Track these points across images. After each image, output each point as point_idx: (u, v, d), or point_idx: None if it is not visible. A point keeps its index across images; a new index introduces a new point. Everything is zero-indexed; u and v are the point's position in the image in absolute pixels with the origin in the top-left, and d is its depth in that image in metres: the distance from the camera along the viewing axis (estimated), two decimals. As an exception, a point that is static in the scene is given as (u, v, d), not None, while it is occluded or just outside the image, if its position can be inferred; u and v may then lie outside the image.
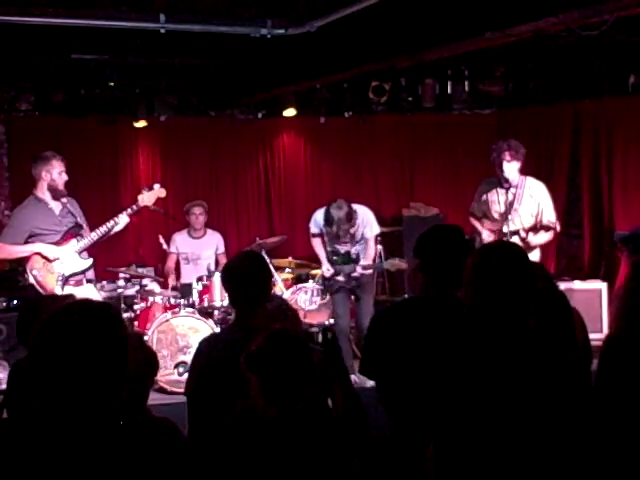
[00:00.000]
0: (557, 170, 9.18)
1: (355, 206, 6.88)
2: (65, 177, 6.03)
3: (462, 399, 2.49)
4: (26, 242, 5.92)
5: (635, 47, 7.26)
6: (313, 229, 7.09)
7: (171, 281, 7.73)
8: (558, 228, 6.45)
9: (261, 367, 2.57)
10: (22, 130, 8.65)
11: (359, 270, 6.86)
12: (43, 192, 6.00)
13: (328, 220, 6.78)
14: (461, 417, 2.50)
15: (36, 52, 6.94)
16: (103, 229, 6.09)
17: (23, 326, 3.58)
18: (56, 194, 6.00)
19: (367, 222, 6.94)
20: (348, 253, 6.96)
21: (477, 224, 6.73)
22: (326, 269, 7.02)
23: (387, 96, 8.79)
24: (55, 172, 5.97)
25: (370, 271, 7.13)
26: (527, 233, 6.32)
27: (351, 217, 6.72)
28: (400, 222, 9.44)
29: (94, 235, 6.09)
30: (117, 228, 6.19)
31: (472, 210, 6.85)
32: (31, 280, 5.93)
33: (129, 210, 6.22)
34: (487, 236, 6.57)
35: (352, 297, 7.08)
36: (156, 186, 6.49)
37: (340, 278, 6.97)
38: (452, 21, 5.77)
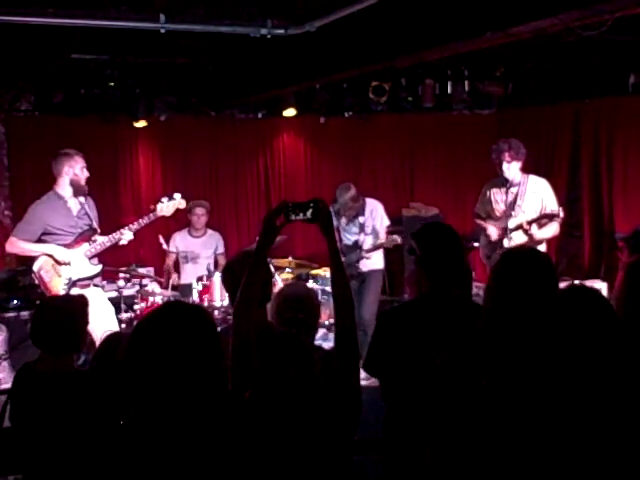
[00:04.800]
0: (557, 170, 9.18)
1: (366, 199, 7.25)
2: (87, 173, 6.05)
3: (467, 401, 2.49)
4: (39, 239, 5.87)
5: (635, 47, 7.25)
6: None
7: (172, 281, 7.72)
8: (562, 214, 6.40)
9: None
10: (22, 130, 8.65)
11: (363, 254, 7.06)
12: (64, 189, 5.97)
13: (334, 200, 7.10)
14: (464, 419, 2.49)
15: (36, 52, 6.93)
16: (117, 236, 6.05)
17: (38, 328, 3.58)
18: (78, 190, 5.99)
19: (376, 214, 7.20)
20: (356, 242, 7.19)
21: (482, 222, 6.74)
22: None
23: (387, 96, 8.78)
24: (78, 167, 5.98)
25: (378, 267, 7.18)
26: (530, 225, 6.30)
27: (356, 200, 7.07)
28: (400, 222, 9.45)
29: (107, 241, 6.03)
30: (125, 239, 6.13)
31: (477, 211, 6.86)
32: (36, 280, 5.89)
33: (145, 219, 6.15)
34: (493, 232, 6.55)
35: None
36: (177, 196, 6.37)
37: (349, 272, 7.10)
38: (452, 21, 5.77)
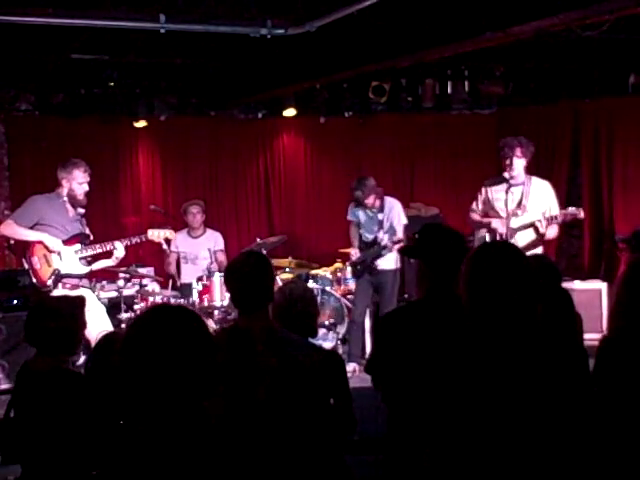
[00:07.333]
0: (557, 170, 9.19)
1: (386, 197, 7.33)
2: (85, 188, 6.17)
3: (462, 400, 2.49)
4: (32, 229, 6.03)
5: (635, 47, 7.26)
6: (348, 216, 7.57)
7: (172, 269, 7.78)
8: (582, 215, 6.47)
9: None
10: (22, 130, 8.66)
11: (385, 245, 7.12)
12: (64, 193, 6.12)
13: (354, 194, 7.26)
14: (460, 417, 2.50)
15: (36, 52, 6.94)
16: (108, 245, 6.24)
17: (32, 326, 3.59)
18: (74, 202, 6.15)
19: (395, 213, 7.27)
20: (375, 239, 7.28)
21: (477, 217, 6.72)
22: (353, 252, 7.47)
23: (387, 96, 8.79)
24: (75, 182, 6.11)
25: (390, 268, 7.26)
26: (543, 224, 6.30)
27: (368, 192, 7.14)
28: (400, 222, 9.43)
29: (98, 246, 6.21)
30: (117, 255, 6.29)
31: (472, 208, 6.84)
32: (26, 265, 6.05)
33: (136, 238, 6.42)
34: (499, 225, 6.49)
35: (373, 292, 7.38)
36: (168, 231, 6.73)
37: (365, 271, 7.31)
38: (452, 21, 5.78)
